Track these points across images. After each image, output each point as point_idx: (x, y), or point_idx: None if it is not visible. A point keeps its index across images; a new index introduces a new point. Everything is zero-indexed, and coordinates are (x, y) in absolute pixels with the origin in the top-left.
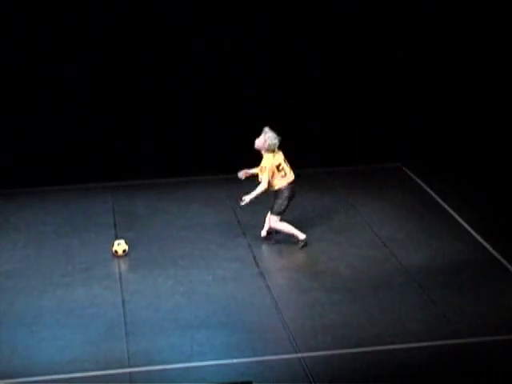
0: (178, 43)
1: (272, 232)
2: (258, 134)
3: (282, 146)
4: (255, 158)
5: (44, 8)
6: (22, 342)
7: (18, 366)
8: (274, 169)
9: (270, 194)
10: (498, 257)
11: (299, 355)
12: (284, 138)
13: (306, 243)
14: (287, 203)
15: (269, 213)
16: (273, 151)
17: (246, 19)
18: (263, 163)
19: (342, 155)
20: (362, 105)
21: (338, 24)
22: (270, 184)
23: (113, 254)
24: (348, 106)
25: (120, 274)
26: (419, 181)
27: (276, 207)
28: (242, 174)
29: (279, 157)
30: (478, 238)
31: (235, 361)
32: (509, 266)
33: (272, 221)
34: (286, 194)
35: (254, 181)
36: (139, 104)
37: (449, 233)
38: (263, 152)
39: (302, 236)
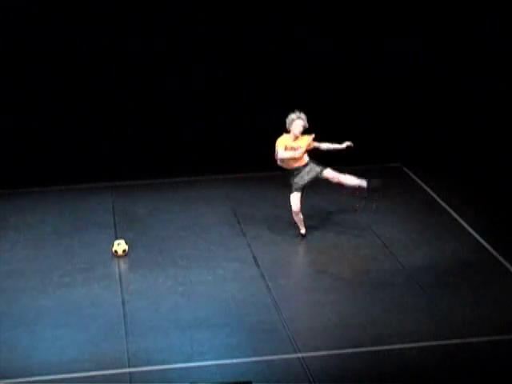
0: (178, 43)
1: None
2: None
3: None
4: (255, 158)
5: (43, 7)
6: (21, 342)
7: (17, 366)
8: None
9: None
10: (498, 257)
11: (299, 355)
12: None
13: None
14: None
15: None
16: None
17: (246, 19)
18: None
19: (342, 155)
20: (362, 105)
21: (338, 24)
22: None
23: (113, 254)
24: (348, 105)
25: (120, 274)
26: (419, 181)
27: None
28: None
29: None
30: (478, 238)
31: (235, 361)
32: (509, 265)
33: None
34: None
35: (252, 184)
36: (139, 104)
37: (449, 233)
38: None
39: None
